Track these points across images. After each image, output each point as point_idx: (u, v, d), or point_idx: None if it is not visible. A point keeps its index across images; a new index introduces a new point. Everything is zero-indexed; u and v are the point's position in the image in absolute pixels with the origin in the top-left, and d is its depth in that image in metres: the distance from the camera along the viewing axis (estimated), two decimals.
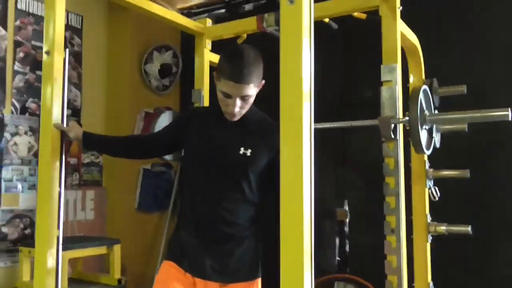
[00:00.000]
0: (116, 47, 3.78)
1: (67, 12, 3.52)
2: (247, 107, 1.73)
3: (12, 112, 3.12)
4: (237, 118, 1.75)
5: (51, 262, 1.77)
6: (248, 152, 1.72)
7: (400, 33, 2.07)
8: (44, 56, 1.82)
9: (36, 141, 3.23)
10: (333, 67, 3.37)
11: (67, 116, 3.45)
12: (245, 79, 1.62)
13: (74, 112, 3.54)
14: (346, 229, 3.37)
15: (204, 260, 1.74)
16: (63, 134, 1.85)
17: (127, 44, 3.79)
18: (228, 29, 2.55)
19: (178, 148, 1.91)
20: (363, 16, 2.33)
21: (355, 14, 2.31)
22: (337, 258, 3.35)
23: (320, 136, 3.05)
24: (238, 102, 1.67)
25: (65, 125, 1.86)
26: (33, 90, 3.25)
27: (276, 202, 1.60)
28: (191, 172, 1.83)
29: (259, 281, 1.80)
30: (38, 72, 3.29)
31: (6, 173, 3.05)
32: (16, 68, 3.15)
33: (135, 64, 3.83)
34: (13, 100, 3.14)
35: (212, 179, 1.75)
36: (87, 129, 3.56)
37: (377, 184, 2.16)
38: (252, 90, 1.67)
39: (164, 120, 2.44)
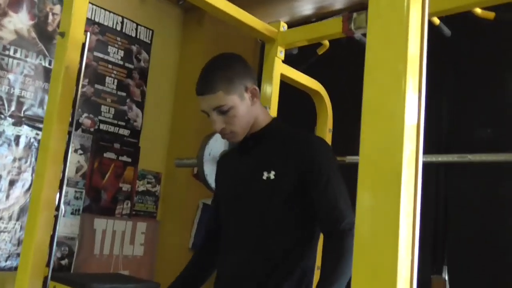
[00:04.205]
0: (187, 65, 3.42)
1: (137, 25, 3.24)
2: (236, 122, 1.43)
3: None
4: (236, 138, 1.47)
5: None
6: (272, 175, 1.39)
7: None
8: (58, 39, 1.42)
9: (86, 161, 2.90)
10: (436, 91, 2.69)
11: (125, 137, 3.14)
12: (207, 88, 1.39)
13: (133, 133, 3.19)
14: None
15: None
16: (69, 139, 1.41)
17: (199, 62, 3.40)
18: (305, 34, 2.02)
19: None
20: (491, 15, 1.71)
21: (478, 11, 1.70)
22: None
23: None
24: (217, 117, 1.42)
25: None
26: (89, 104, 2.95)
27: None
28: (223, 221, 1.57)
29: None
30: (97, 86, 3.01)
31: None
32: None
33: None
34: None
35: (238, 224, 1.47)
36: (146, 153, 3.21)
37: (491, 245, 1.83)
38: (226, 99, 1.39)
39: (215, 142, 1.95)
